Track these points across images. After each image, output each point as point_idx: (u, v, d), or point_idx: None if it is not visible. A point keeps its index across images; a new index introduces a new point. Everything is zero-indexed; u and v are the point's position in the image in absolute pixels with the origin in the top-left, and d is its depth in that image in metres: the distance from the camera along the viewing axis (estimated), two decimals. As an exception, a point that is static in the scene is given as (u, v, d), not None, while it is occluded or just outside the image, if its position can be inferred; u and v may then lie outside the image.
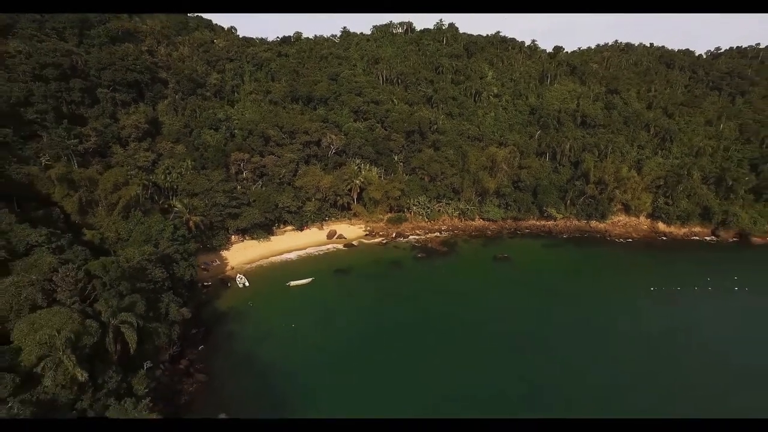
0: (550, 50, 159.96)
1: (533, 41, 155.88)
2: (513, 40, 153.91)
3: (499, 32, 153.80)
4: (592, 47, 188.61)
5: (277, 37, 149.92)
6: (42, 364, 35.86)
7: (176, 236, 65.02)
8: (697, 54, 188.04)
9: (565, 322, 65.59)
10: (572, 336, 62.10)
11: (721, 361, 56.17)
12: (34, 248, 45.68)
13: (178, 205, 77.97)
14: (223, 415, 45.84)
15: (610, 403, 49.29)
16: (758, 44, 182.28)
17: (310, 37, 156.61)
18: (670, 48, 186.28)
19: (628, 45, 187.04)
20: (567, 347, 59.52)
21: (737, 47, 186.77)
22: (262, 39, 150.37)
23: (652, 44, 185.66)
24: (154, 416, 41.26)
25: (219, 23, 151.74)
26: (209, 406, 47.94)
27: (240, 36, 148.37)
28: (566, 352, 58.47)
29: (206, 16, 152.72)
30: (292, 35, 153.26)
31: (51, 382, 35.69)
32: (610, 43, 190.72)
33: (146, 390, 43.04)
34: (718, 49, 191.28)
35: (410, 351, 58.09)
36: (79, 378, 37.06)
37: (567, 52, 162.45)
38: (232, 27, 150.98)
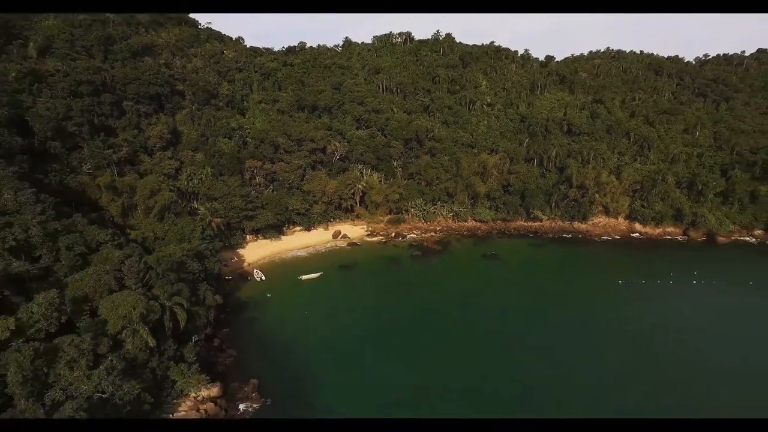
0: (542, 59, 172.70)
1: (526, 50, 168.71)
2: (507, 49, 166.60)
3: (493, 42, 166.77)
4: (585, 54, 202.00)
5: (283, 47, 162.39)
6: (124, 332, 48.41)
7: (204, 235, 77.64)
8: (686, 60, 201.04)
9: (546, 313, 76.65)
10: (551, 325, 72.78)
11: (674, 347, 67.12)
12: (102, 245, 58.26)
13: (201, 209, 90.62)
14: (254, 381, 58.19)
15: (570, 374, 61.45)
16: (743, 52, 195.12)
17: (314, 46, 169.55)
18: (659, 54, 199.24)
19: (619, 52, 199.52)
20: (546, 335, 70.08)
21: (724, 54, 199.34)
22: (268, 49, 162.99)
23: (642, 51, 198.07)
24: (203, 378, 53.96)
25: (228, 33, 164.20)
26: (241, 375, 60.18)
27: (247, 46, 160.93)
28: (545, 338, 69.06)
29: (216, 27, 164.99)
30: (296, 45, 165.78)
31: (131, 345, 48.26)
32: (602, 50, 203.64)
33: (194, 358, 55.64)
34: (706, 55, 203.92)
35: (406, 336, 70.11)
36: (150, 344, 49.66)
37: (558, 60, 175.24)
38: (239, 37, 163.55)
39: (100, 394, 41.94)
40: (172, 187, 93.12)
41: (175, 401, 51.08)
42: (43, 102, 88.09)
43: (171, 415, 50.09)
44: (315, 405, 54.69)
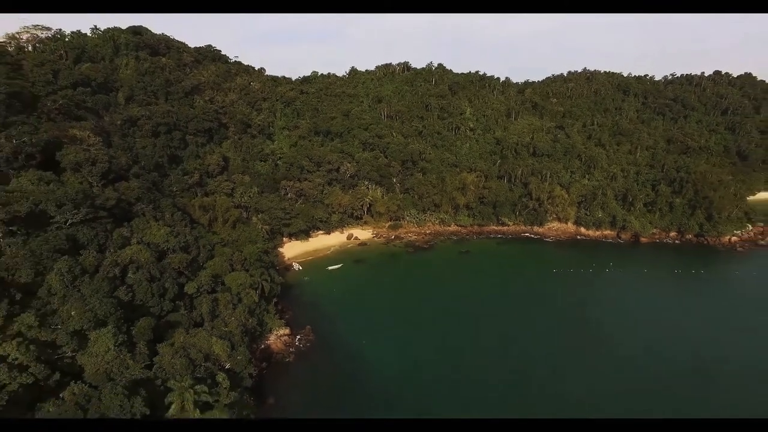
0: (522, 82, 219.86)
1: (507, 78, 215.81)
2: (490, 77, 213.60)
3: (478, 71, 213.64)
4: (565, 74, 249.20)
5: (299, 77, 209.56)
6: (241, 293, 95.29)
7: (264, 238, 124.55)
8: (654, 79, 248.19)
9: (492, 286, 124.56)
10: (491, 292, 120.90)
11: (573, 302, 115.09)
12: (216, 245, 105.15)
13: (255, 219, 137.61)
14: (308, 327, 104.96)
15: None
16: (703, 72, 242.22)
17: (324, 73, 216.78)
18: (629, 74, 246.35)
19: (594, 73, 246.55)
20: (482, 295, 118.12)
21: (686, 75, 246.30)
22: (285, 77, 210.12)
23: (613, 72, 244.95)
24: (281, 322, 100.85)
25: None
26: (298, 324, 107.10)
27: (268, 76, 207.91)
28: (481, 297, 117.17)
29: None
30: (309, 74, 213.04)
31: (246, 300, 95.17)
32: (579, 70, 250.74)
33: (274, 311, 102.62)
34: (673, 74, 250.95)
35: (401, 303, 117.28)
36: (255, 300, 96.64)
37: (536, 83, 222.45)
38: (261, 68, 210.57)
39: (240, 324, 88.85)
40: (232, 204, 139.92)
41: (267, 334, 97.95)
42: (139, 142, 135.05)
43: (267, 341, 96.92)
44: (346, 339, 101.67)
